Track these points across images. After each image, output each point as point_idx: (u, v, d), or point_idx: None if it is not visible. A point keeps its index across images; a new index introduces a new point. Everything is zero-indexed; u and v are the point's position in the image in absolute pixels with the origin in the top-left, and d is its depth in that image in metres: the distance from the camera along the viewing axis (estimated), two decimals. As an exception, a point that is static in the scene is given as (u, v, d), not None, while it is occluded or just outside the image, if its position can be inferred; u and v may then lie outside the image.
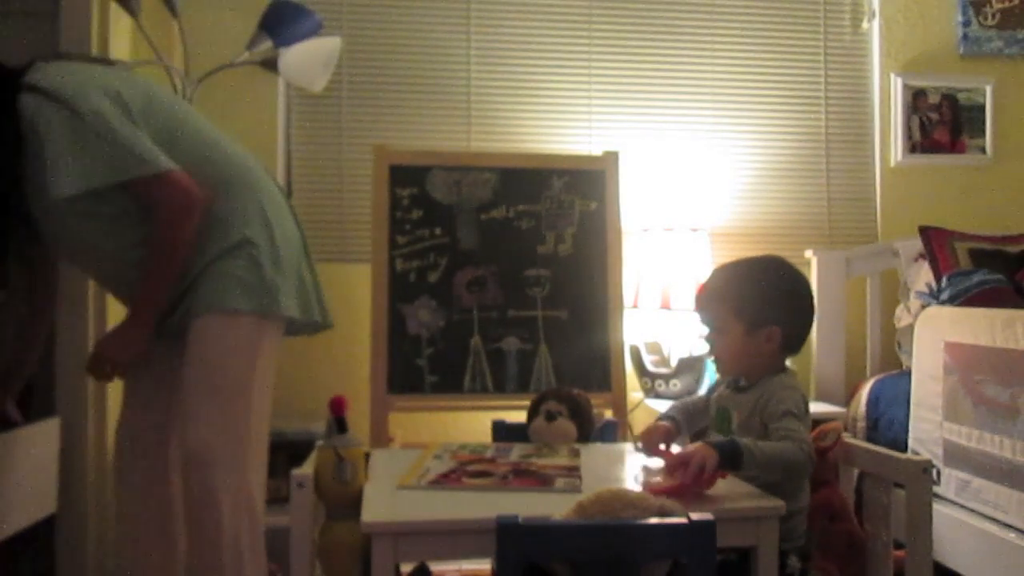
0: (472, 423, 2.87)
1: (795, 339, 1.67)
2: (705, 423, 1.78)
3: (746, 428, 1.61)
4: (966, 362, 2.30)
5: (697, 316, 1.73)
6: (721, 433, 1.66)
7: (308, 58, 2.70)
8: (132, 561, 1.98)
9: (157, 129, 1.78)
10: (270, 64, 2.70)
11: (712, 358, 1.73)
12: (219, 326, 1.80)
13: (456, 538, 1.32)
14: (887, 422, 2.67)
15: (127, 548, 2.00)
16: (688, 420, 1.79)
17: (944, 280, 2.71)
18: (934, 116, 3.34)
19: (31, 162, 1.70)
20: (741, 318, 1.63)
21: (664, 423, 1.73)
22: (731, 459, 1.45)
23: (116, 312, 2.38)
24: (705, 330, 1.71)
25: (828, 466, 1.69)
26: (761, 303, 1.63)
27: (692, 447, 1.48)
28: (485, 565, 2.15)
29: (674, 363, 2.92)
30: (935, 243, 2.91)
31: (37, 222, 1.79)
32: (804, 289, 1.69)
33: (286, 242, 1.91)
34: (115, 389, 2.41)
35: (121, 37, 2.53)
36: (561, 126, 3.18)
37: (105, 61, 2.06)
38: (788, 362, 1.73)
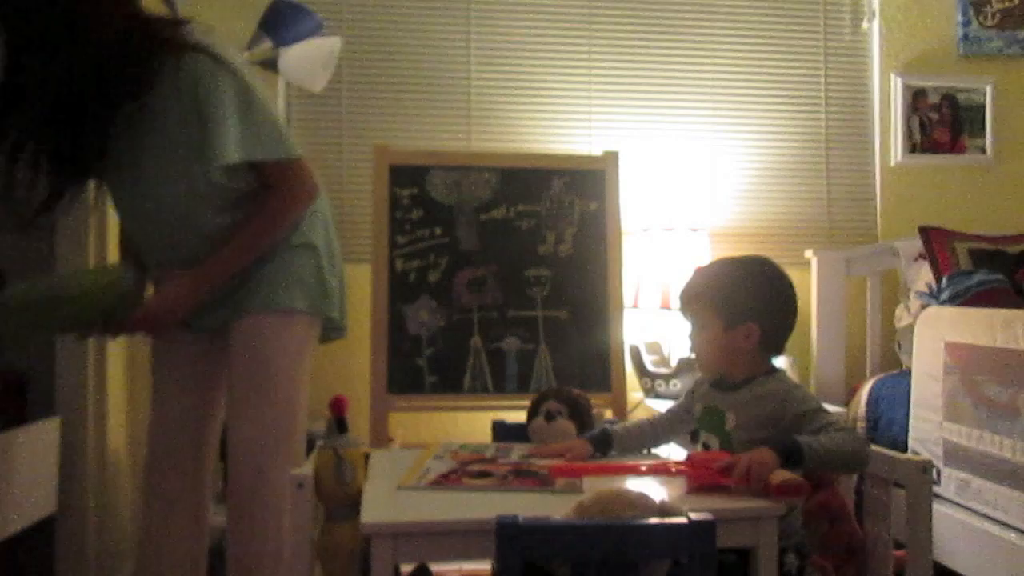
0: (472, 423, 2.88)
1: (775, 338, 1.66)
2: (689, 428, 1.78)
3: (747, 429, 1.60)
4: (966, 362, 2.30)
5: (680, 315, 1.74)
6: (715, 434, 1.66)
7: (308, 58, 2.70)
8: (158, 562, 1.94)
9: None
10: (270, 64, 2.70)
11: (692, 355, 1.72)
12: (276, 325, 1.84)
13: (456, 538, 1.32)
14: (887, 422, 2.67)
15: (152, 549, 1.93)
16: (646, 437, 1.79)
17: (944, 280, 2.71)
18: (934, 116, 3.34)
19: (178, 120, 1.69)
20: (719, 314, 1.62)
21: (579, 441, 1.71)
22: (791, 459, 1.43)
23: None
24: (688, 329, 1.71)
25: (828, 467, 1.69)
26: (739, 299, 1.62)
27: (755, 451, 1.44)
28: (485, 565, 2.15)
29: (674, 363, 2.92)
30: (935, 243, 2.91)
31: (117, 172, 1.78)
32: (785, 288, 1.68)
33: (335, 250, 1.97)
34: (115, 389, 2.41)
35: (121, 37, 2.53)
36: (561, 126, 3.18)
37: None
38: (786, 363, 1.72)
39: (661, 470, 1.49)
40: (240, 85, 1.70)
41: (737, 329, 1.61)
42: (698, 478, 1.42)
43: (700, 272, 1.73)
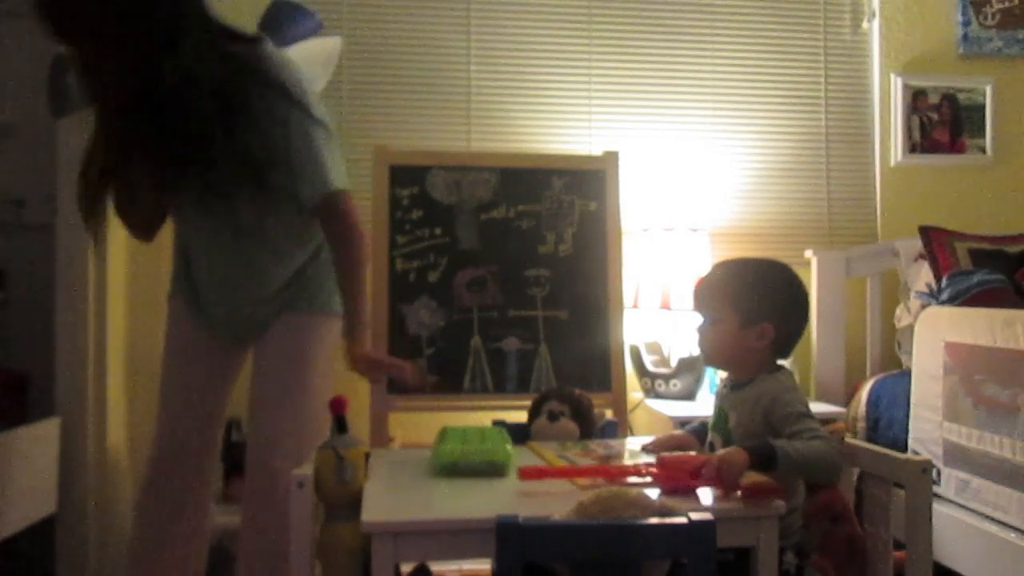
0: (472, 423, 2.87)
1: (786, 341, 1.67)
2: None
3: (744, 427, 1.61)
4: (966, 362, 2.30)
5: (693, 307, 1.74)
6: (719, 433, 1.66)
7: (308, 58, 2.70)
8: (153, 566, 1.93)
9: None
10: (270, 64, 2.70)
11: (699, 347, 1.72)
12: (319, 325, 1.88)
13: (456, 538, 1.32)
14: (887, 422, 2.67)
15: (153, 554, 1.92)
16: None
17: (944, 280, 2.71)
18: (934, 116, 3.34)
19: (254, 138, 1.71)
20: (737, 311, 1.63)
21: (683, 433, 1.76)
22: (764, 462, 1.44)
23: (115, 312, 2.39)
24: (699, 322, 1.71)
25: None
26: (759, 299, 1.63)
27: (724, 451, 1.46)
28: (485, 565, 2.15)
29: (674, 363, 2.92)
30: (935, 243, 2.91)
31: (224, 204, 1.79)
32: (803, 294, 1.71)
33: None
34: (115, 389, 2.41)
35: (121, 37, 2.53)
36: (561, 126, 3.18)
37: None
38: (786, 362, 1.72)
39: (632, 473, 1.49)
40: (312, 121, 1.74)
41: (752, 328, 1.62)
42: (669, 481, 1.42)
43: (721, 267, 1.74)
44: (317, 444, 1.82)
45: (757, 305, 1.63)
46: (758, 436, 1.55)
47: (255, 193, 1.73)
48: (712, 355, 1.70)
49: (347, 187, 1.81)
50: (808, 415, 1.55)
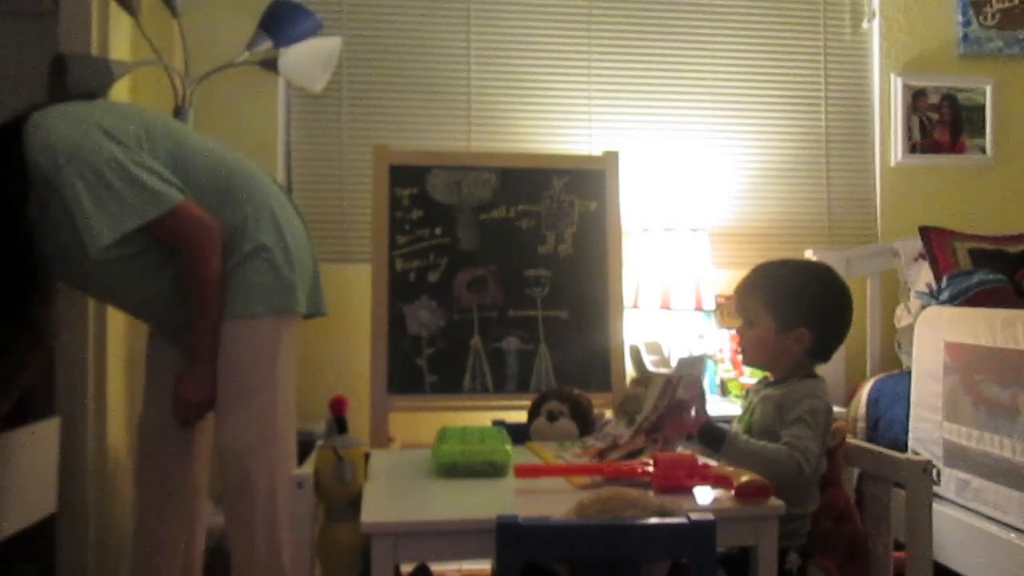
0: (472, 423, 2.86)
1: (825, 347, 1.69)
2: None
3: (762, 422, 1.62)
4: (966, 362, 2.30)
5: (734, 307, 1.76)
6: (741, 423, 1.68)
7: (308, 58, 2.70)
8: (152, 553, 2.03)
9: (161, 157, 1.81)
10: (270, 64, 2.70)
11: (740, 347, 1.75)
12: (241, 330, 1.88)
13: (456, 538, 1.32)
14: (887, 422, 2.67)
15: (146, 539, 2.05)
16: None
17: (944, 280, 2.71)
18: (934, 116, 3.34)
19: (57, 219, 1.73)
20: (773, 315, 1.65)
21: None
22: (712, 436, 1.51)
23: (115, 312, 2.38)
24: (740, 323, 1.74)
25: (834, 466, 1.69)
26: (795, 305, 1.65)
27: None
28: (485, 565, 2.15)
29: (674, 363, 2.91)
30: (935, 243, 2.91)
31: (67, 275, 1.86)
32: (844, 300, 1.70)
33: (296, 240, 1.98)
34: (115, 389, 2.41)
35: (121, 37, 2.54)
36: (561, 126, 3.18)
37: (93, 95, 2.05)
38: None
39: (627, 471, 1.49)
40: (84, 170, 1.69)
41: (789, 333, 1.64)
42: (664, 480, 1.42)
43: (760, 269, 1.74)
44: (279, 442, 1.91)
45: (793, 310, 1.64)
46: (771, 433, 1.56)
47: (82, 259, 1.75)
48: (751, 356, 1.73)
49: (165, 207, 1.76)
50: (804, 421, 1.54)
